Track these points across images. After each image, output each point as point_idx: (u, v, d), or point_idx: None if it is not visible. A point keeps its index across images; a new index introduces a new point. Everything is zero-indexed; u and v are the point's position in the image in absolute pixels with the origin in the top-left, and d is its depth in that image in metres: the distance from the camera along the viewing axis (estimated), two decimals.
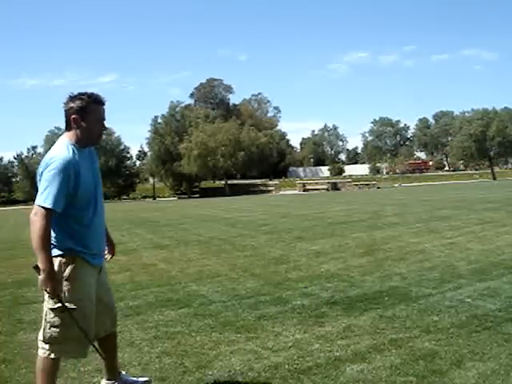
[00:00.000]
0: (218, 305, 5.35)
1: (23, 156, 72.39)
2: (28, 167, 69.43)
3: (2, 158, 72.58)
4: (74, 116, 2.86)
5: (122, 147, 69.53)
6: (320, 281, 6.23)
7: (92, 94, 2.91)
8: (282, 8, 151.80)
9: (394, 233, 10.55)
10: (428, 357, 3.59)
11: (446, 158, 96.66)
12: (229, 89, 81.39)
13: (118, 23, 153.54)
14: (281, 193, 52.54)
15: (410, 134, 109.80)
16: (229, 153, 57.16)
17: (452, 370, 3.35)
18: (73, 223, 2.85)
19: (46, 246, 2.70)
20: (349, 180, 58.63)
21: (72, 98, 2.88)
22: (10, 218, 28.33)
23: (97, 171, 3.04)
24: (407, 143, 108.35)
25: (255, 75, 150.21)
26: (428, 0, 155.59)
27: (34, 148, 72.97)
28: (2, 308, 5.78)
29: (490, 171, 65.18)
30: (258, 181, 65.75)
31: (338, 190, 50.08)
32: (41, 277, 2.71)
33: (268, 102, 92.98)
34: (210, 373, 3.49)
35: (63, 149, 2.83)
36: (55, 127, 68.08)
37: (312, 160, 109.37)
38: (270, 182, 62.77)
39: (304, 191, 50.40)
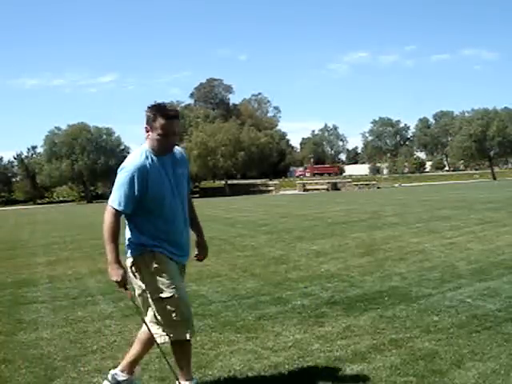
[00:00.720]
0: (218, 305, 5.35)
1: (23, 156, 72.41)
2: (28, 167, 69.47)
3: (1, 158, 72.58)
4: (145, 126, 3.06)
5: (122, 147, 69.53)
6: (320, 281, 6.23)
7: (161, 108, 3.02)
8: (281, 8, 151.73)
9: (394, 233, 10.55)
10: (428, 357, 3.59)
11: (446, 158, 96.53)
12: (229, 89, 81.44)
13: (118, 23, 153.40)
14: (281, 193, 52.54)
15: (410, 134, 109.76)
16: (229, 153, 57.17)
17: (452, 370, 3.34)
18: (145, 223, 3.08)
19: (111, 239, 3.00)
20: (349, 180, 58.62)
21: (148, 108, 3.06)
22: (9, 218, 28.34)
23: (178, 176, 3.15)
24: (407, 143, 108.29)
25: (255, 75, 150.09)
26: (428, 0, 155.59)
27: (33, 148, 73.02)
28: (1, 308, 5.79)
29: (490, 171, 65.13)
30: (258, 181, 65.73)
31: (338, 189, 50.07)
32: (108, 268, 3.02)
33: (268, 101, 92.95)
34: (210, 373, 3.49)
35: (137, 155, 3.06)
36: (55, 127, 68.13)
37: (312, 160, 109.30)
38: (270, 182, 62.75)
39: (304, 191, 50.38)
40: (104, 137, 68.07)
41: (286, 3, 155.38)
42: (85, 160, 63.90)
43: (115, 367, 3.69)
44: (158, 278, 3.06)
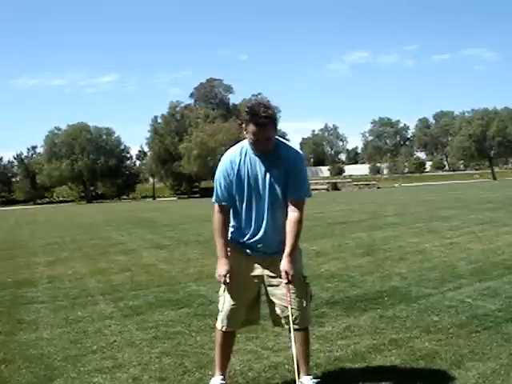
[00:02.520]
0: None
1: (23, 156, 72.44)
2: (28, 167, 69.47)
3: (1, 158, 72.61)
4: (243, 122, 3.04)
5: (122, 147, 69.54)
6: (320, 281, 6.22)
7: (254, 113, 2.94)
8: (282, 8, 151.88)
9: (394, 233, 10.55)
10: (428, 357, 3.58)
11: (446, 158, 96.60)
12: (229, 89, 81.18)
13: (119, 23, 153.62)
14: None
15: (410, 133, 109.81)
16: None
17: (452, 369, 3.34)
18: (233, 214, 3.18)
19: (216, 235, 3.14)
20: (349, 180, 58.58)
21: (246, 108, 3.06)
22: (9, 218, 28.34)
23: (272, 177, 3.04)
24: (407, 143, 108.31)
25: (255, 75, 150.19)
26: (428, 0, 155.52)
27: (33, 148, 73.08)
28: (2, 308, 5.78)
29: (490, 171, 65.15)
30: None
31: (338, 190, 50.04)
32: None
33: (268, 102, 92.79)
34: (210, 373, 3.48)
35: (234, 148, 3.15)
36: (55, 127, 68.25)
37: (312, 160, 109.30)
38: None
39: None
40: (104, 137, 68.08)
41: (286, 3, 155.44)
42: (85, 160, 63.93)
43: (115, 367, 3.71)
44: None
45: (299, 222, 3.05)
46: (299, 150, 3.16)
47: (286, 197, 3.07)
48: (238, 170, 3.07)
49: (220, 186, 3.11)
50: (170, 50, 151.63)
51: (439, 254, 7.75)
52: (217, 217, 3.14)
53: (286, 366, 3.54)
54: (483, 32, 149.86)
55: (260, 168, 3.07)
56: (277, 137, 3.08)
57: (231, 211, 3.18)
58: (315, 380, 3.16)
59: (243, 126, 3.03)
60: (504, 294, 5.12)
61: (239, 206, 3.13)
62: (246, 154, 3.09)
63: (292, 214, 3.04)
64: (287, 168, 3.05)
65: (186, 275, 7.12)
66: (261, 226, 3.10)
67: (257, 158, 3.07)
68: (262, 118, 2.92)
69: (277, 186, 3.06)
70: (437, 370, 3.35)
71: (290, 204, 3.06)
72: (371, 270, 6.70)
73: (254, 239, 3.13)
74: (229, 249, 3.18)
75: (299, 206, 3.06)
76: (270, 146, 3.01)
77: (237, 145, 3.18)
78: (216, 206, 3.15)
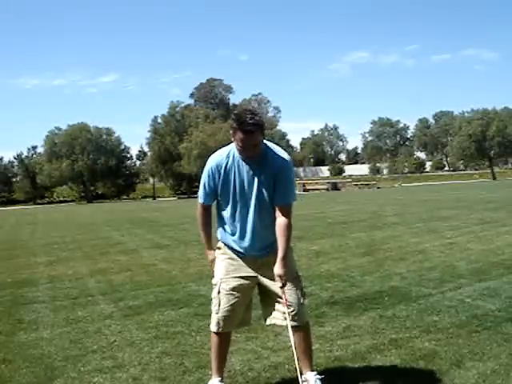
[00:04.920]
0: None
1: (23, 156, 72.34)
2: (28, 167, 69.43)
3: (2, 158, 72.52)
4: (231, 128, 3.05)
5: (122, 147, 69.48)
6: (320, 281, 6.22)
7: (241, 121, 2.94)
8: (282, 8, 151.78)
9: (394, 233, 10.55)
10: (428, 357, 3.58)
11: (446, 158, 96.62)
12: (229, 89, 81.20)
13: (119, 23, 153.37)
14: None
15: (409, 133, 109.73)
16: None
17: (452, 369, 3.34)
18: (220, 215, 3.25)
19: (200, 229, 3.35)
20: (349, 180, 58.58)
21: (232, 115, 3.10)
22: (10, 218, 28.34)
23: (259, 182, 3.07)
24: (407, 143, 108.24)
25: (255, 75, 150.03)
26: (429, 0, 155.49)
27: (34, 148, 72.93)
28: (1, 308, 5.78)
29: (489, 171, 65.14)
30: None
31: (338, 190, 50.03)
32: None
33: (268, 101, 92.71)
34: (210, 373, 3.48)
35: (221, 151, 3.18)
36: (55, 127, 68.16)
37: (312, 160, 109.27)
38: None
39: (304, 191, 50.35)
40: (104, 137, 68.04)
41: (286, 3, 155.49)
42: (85, 160, 63.89)
43: (115, 367, 3.71)
44: (217, 264, 3.28)
45: (289, 226, 3.08)
46: (286, 155, 3.15)
47: (273, 201, 3.09)
48: (224, 174, 3.09)
49: (204, 187, 3.19)
50: (170, 50, 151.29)
51: (439, 254, 7.76)
52: (199, 214, 3.31)
53: (286, 366, 3.55)
54: (483, 32, 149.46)
55: (247, 173, 3.08)
56: (265, 141, 3.07)
57: (221, 215, 3.23)
58: (319, 376, 3.17)
59: (231, 132, 3.03)
60: (504, 294, 5.13)
61: (227, 210, 3.16)
62: (233, 158, 3.10)
63: (281, 218, 3.07)
64: (274, 173, 3.07)
65: (186, 275, 7.12)
66: (249, 230, 3.14)
67: (244, 163, 3.08)
68: (249, 125, 2.93)
69: (264, 191, 3.08)
70: (437, 370, 3.35)
71: (278, 209, 3.09)
72: (371, 270, 6.71)
73: (243, 243, 3.16)
74: (222, 251, 3.27)
75: (287, 211, 3.10)
76: (257, 151, 3.02)
77: (225, 148, 3.18)
78: (199, 204, 3.26)
